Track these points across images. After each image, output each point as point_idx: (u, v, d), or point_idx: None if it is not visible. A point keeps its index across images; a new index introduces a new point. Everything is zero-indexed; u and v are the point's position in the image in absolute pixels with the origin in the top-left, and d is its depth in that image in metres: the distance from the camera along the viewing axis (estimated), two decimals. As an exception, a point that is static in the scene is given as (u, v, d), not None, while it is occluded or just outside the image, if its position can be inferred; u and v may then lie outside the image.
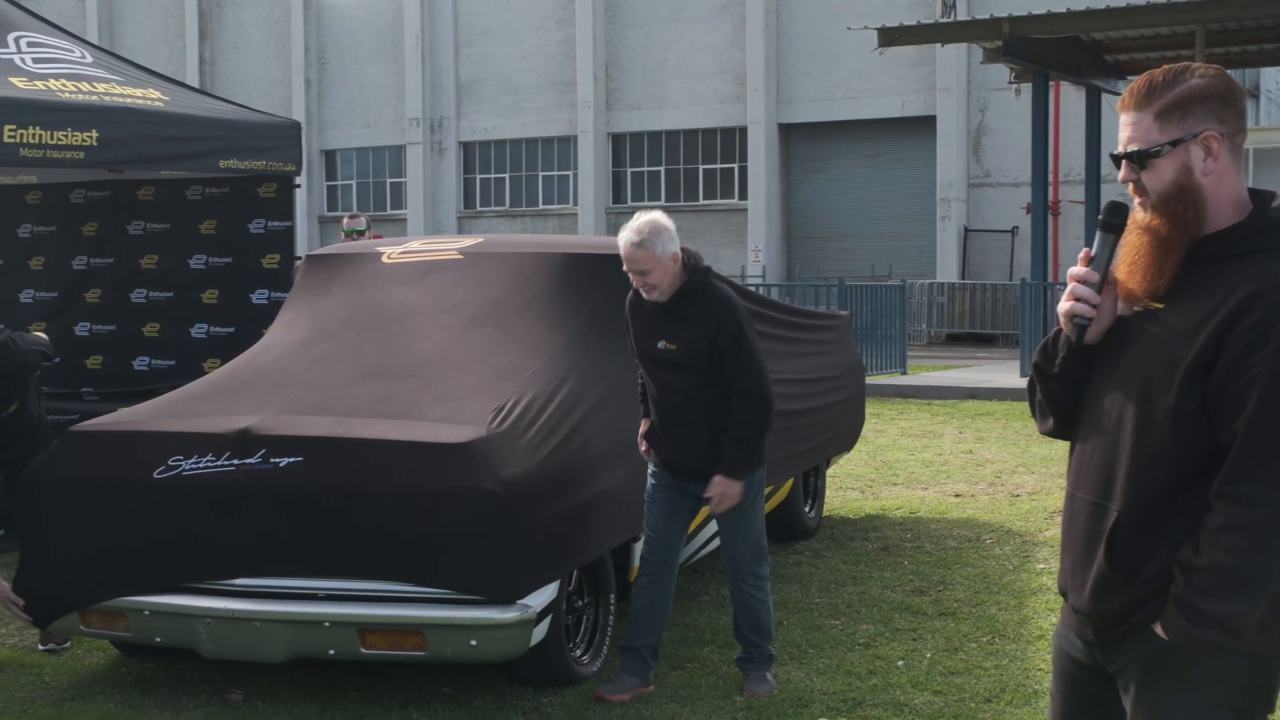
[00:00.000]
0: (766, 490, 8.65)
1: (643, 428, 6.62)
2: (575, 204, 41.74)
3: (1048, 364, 3.25)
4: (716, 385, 6.32)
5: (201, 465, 6.18)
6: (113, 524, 6.32)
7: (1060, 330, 3.20)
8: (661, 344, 6.34)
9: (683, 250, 6.32)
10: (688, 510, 6.58)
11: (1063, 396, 3.25)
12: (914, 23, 26.61)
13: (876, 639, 7.30)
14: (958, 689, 6.49)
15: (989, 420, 16.64)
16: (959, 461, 13.38)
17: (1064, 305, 3.13)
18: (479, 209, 43.68)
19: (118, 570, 6.30)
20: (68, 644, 7.23)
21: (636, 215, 6.31)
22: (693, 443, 6.39)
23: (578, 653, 6.64)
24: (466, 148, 43.86)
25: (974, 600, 8.09)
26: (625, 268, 6.32)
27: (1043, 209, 24.37)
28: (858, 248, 37.91)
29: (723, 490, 6.25)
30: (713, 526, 7.01)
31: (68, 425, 7.10)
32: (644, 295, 6.37)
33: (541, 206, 42.77)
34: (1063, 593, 3.24)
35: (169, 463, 6.21)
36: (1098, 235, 3.14)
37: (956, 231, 36.26)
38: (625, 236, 6.24)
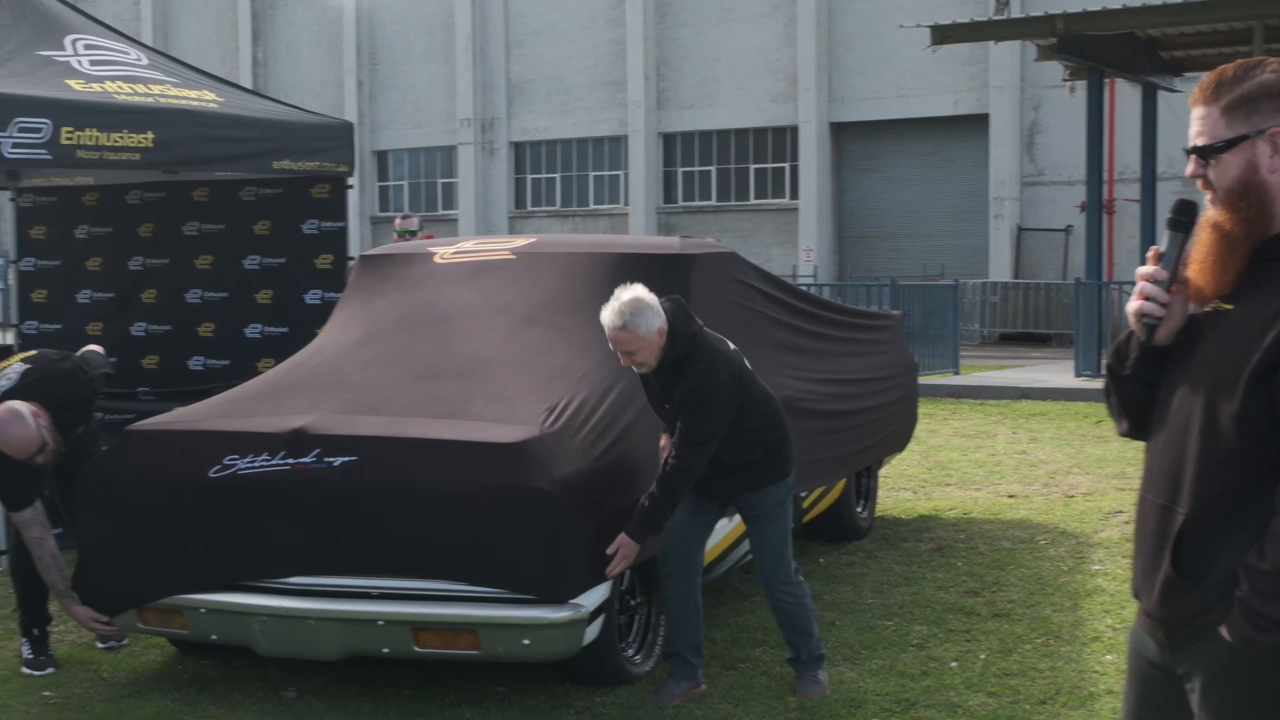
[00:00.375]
0: (818, 491, 8.68)
1: (663, 441, 6.59)
2: (626, 204, 41.75)
3: (1120, 365, 3.22)
4: (725, 435, 6.26)
5: (256, 464, 6.22)
6: (169, 522, 6.37)
7: (1133, 331, 3.17)
8: (665, 404, 6.34)
9: (669, 314, 6.19)
10: (713, 511, 6.59)
11: (1135, 398, 3.22)
12: (967, 20, 26.49)
13: (930, 640, 7.26)
14: (1012, 691, 6.45)
15: (1043, 420, 16.54)
16: (1012, 462, 13.31)
17: (1133, 304, 3.10)
18: (530, 209, 43.76)
19: (174, 568, 6.35)
20: (125, 641, 7.29)
21: (617, 294, 6.17)
22: (710, 479, 6.36)
23: (630, 652, 6.65)
24: (517, 148, 43.96)
25: (1028, 601, 8.04)
26: (610, 347, 6.26)
27: (1097, 207, 24.17)
28: (910, 247, 37.74)
29: (624, 552, 6.07)
30: None
31: (124, 424, 7.15)
32: (634, 370, 6.33)
33: (592, 206, 42.81)
34: (1136, 595, 3.21)
35: (224, 461, 6.26)
36: (1167, 233, 3.11)
37: (1009, 230, 36.06)
38: (608, 319, 6.14)
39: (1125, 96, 31.67)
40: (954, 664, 6.85)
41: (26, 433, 6.56)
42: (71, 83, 9.73)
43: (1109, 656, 6.93)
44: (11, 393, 6.80)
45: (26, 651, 7.00)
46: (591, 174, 42.94)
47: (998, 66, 35.79)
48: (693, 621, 6.48)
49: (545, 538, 5.90)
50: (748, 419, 6.37)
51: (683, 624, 6.47)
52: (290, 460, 6.18)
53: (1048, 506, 10.92)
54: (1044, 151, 36.15)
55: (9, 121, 9.05)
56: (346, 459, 6.12)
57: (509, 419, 6.29)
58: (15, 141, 9.08)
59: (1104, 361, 3.29)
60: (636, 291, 6.17)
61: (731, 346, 6.46)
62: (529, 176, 44.02)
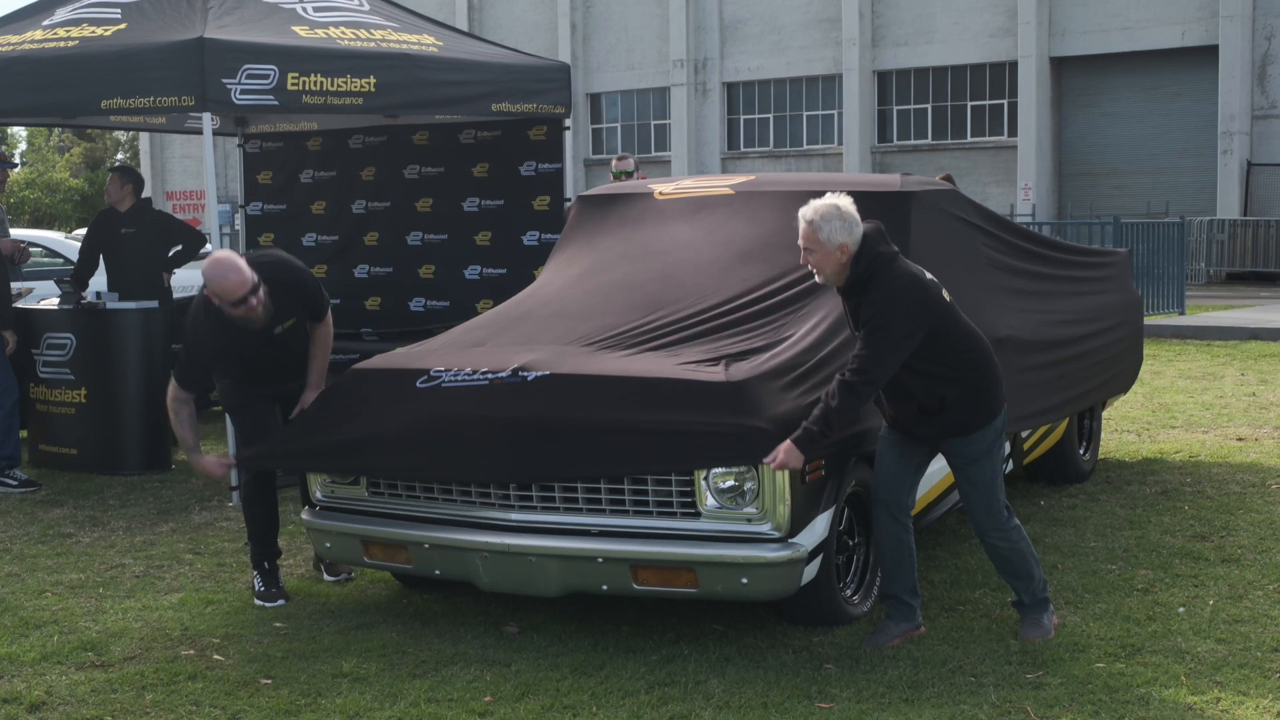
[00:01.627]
0: (1040, 433, 8.52)
1: None
2: (840, 144, 41.35)
3: None
4: (916, 368, 6.12)
5: (459, 378, 6.36)
6: (375, 417, 6.57)
7: None
8: (855, 330, 6.21)
9: (865, 237, 6.04)
10: (923, 453, 6.45)
11: None
12: (1195, -51, 25.61)
13: (1155, 585, 7.10)
14: (1243, 638, 6.27)
15: (1273, 362, 16.03)
16: (1241, 404, 12.92)
17: None
18: (743, 150, 43.61)
19: (367, 454, 6.57)
20: (352, 575, 7.49)
21: (827, 195, 6.11)
22: (902, 413, 6.28)
23: (848, 593, 6.61)
24: (730, 88, 43.78)
25: (1259, 547, 7.81)
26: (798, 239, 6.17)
27: (1333, 141, 23.32)
28: (1133, 184, 36.76)
29: (784, 459, 5.85)
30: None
31: (347, 364, 7.32)
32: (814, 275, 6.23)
33: (806, 147, 42.49)
34: None
35: (431, 373, 6.41)
36: None
37: (1239, 166, 34.89)
38: (803, 210, 6.07)
39: (1364, 24, 30.37)
40: (1181, 610, 6.69)
41: (239, 275, 6.76)
42: (297, 29, 9.94)
43: (1346, 604, 6.71)
44: None
45: (258, 584, 7.23)
46: (805, 114, 42.59)
47: (1228, -5, 34.58)
48: (907, 563, 6.40)
49: (748, 440, 5.92)
50: (942, 352, 6.13)
51: (897, 565, 6.39)
52: (490, 375, 6.30)
53: (1279, 450, 10.59)
54: (1276, 83, 34.86)
55: (238, 69, 9.30)
56: (540, 374, 6.27)
57: (724, 355, 6.32)
58: (244, 88, 9.33)
59: None
60: (839, 201, 6.06)
61: (928, 276, 6.22)
62: (742, 117, 43.83)
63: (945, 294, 6.23)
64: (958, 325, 6.23)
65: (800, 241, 6.08)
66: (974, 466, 6.34)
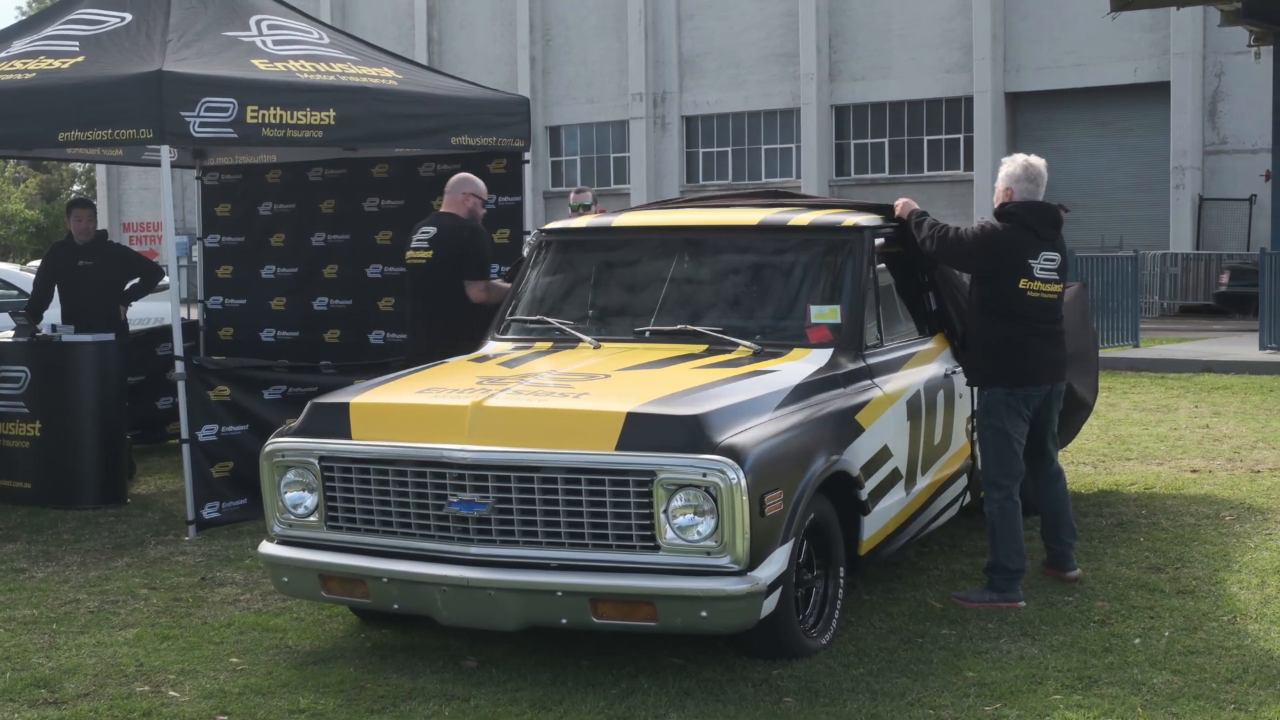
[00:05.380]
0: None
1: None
2: (798, 177, 41.55)
3: None
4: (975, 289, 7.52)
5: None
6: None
7: None
8: None
9: (1019, 202, 7.38)
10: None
11: None
12: (1147, -14, 25.89)
13: (1112, 616, 7.15)
14: (1198, 669, 6.32)
15: (1226, 394, 16.16)
16: (1195, 436, 13.02)
17: None
18: (701, 183, 43.76)
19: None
20: None
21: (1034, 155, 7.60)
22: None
23: (807, 625, 6.62)
24: (689, 122, 43.96)
25: (1214, 579, 7.87)
26: None
27: (1284, 176, 23.55)
28: (1088, 218, 37.03)
29: (902, 205, 7.82)
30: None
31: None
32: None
33: (764, 180, 42.66)
34: None
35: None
36: None
37: (1191, 200, 35.26)
38: (1008, 157, 7.62)
39: (1314, 61, 30.70)
40: (1137, 641, 6.73)
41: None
42: (256, 62, 9.93)
43: (1299, 636, 6.76)
44: None
45: None
46: (764, 147, 42.80)
47: (1179, 33, 34.96)
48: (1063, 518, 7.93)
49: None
50: (981, 294, 7.45)
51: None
52: None
53: (1232, 482, 10.67)
54: (1227, 119, 35.26)
55: (197, 101, 9.28)
56: None
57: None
58: (202, 121, 9.31)
59: None
60: (1031, 160, 7.48)
61: (1028, 258, 7.32)
62: (700, 150, 44.01)
63: (1029, 272, 7.33)
64: (995, 290, 7.39)
65: None
66: (979, 419, 7.60)
